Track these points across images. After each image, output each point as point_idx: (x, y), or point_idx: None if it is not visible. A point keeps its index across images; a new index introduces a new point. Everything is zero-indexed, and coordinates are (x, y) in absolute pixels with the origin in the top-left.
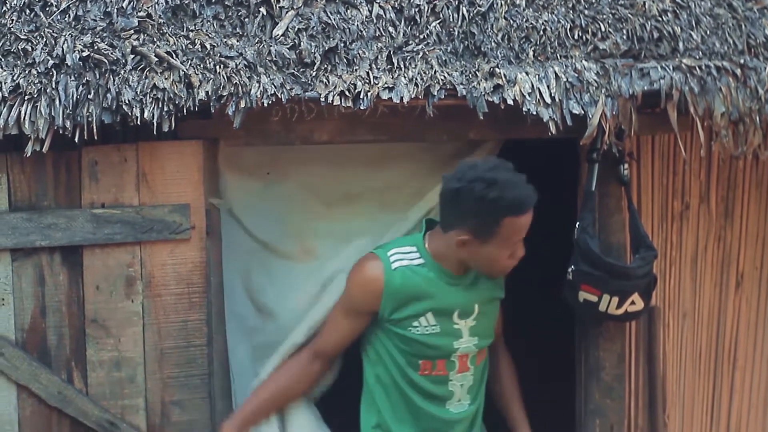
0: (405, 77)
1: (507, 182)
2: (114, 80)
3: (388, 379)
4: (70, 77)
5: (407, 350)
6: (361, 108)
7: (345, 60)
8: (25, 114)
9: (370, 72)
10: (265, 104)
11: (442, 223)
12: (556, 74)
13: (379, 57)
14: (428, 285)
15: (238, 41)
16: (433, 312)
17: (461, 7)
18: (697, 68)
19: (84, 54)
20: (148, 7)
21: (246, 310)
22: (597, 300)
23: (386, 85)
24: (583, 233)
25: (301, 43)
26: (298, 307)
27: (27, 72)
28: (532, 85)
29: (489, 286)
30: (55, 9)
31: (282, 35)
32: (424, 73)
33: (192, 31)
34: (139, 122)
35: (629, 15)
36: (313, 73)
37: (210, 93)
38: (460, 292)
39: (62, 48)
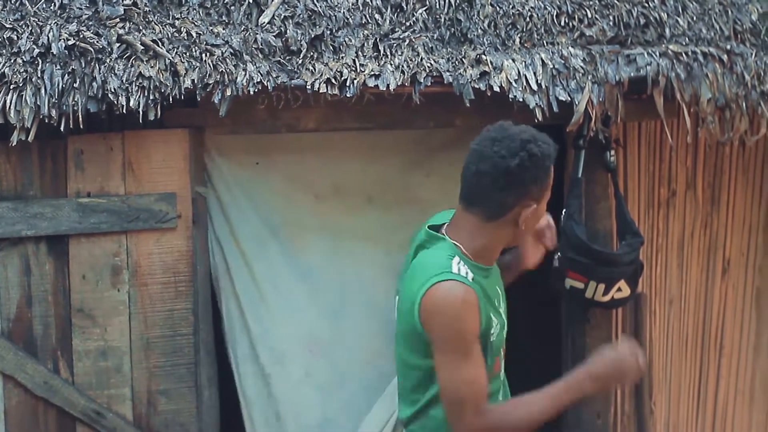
0: (391, 64)
1: (533, 131)
2: (100, 69)
3: None
4: (56, 66)
5: (486, 355)
6: (348, 95)
7: (331, 47)
8: (11, 103)
9: (356, 59)
10: (251, 92)
11: (493, 212)
12: (542, 61)
13: (366, 44)
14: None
15: (224, 29)
16: (493, 314)
17: None
18: (684, 54)
19: (69, 42)
20: None
21: (250, 295)
22: (583, 287)
23: (372, 73)
24: (569, 220)
25: (287, 31)
26: (288, 299)
27: (12, 61)
28: (519, 72)
29: (498, 270)
30: None
31: (268, 23)
32: (411, 60)
33: (178, 19)
34: (124, 111)
35: (616, 1)
36: (299, 61)
37: (196, 81)
38: (493, 281)
39: (48, 37)
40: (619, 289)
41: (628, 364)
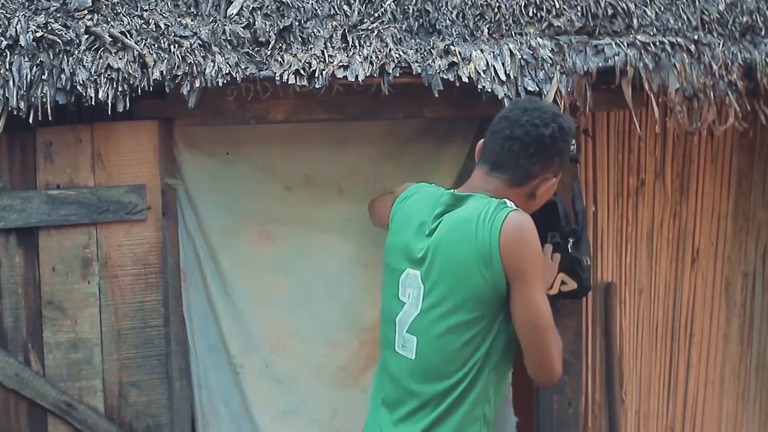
0: (360, 55)
1: (560, 110)
2: (68, 61)
3: (503, 378)
4: (24, 58)
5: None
6: (316, 87)
7: (300, 39)
8: None
9: (324, 50)
10: (220, 84)
11: (519, 178)
12: (510, 51)
13: (334, 35)
14: None
15: (192, 21)
16: None
17: None
18: (652, 44)
19: (38, 34)
20: None
21: (218, 287)
22: None
23: (341, 64)
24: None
25: (256, 22)
26: (255, 291)
27: None
28: (487, 63)
29: None
30: None
31: (236, 14)
32: (379, 51)
33: (146, 10)
34: (93, 103)
35: None
36: (268, 52)
37: (165, 73)
38: None
39: (15, 29)
40: (564, 282)
41: (550, 264)
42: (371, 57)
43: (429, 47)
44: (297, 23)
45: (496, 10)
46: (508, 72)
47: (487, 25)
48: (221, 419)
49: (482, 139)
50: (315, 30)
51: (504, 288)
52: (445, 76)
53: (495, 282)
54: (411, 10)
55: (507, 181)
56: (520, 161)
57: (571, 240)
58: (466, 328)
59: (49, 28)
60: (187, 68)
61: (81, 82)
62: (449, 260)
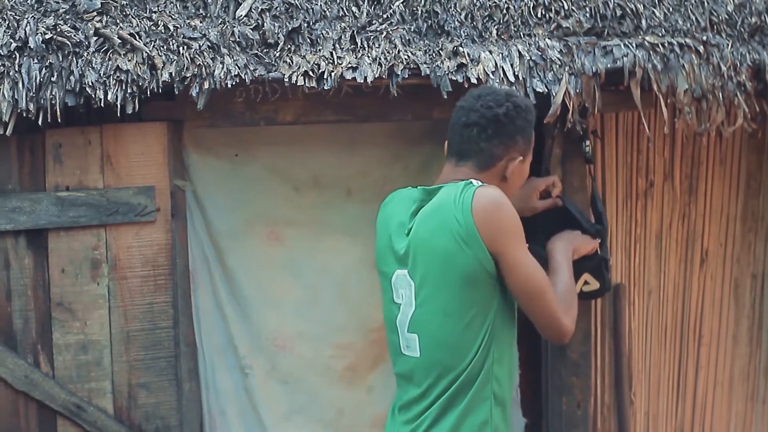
0: (369, 57)
1: (514, 90)
2: (77, 62)
3: (508, 352)
4: (33, 60)
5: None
6: (325, 88)
7: (308, 40)
8: None
9: (333, 52)
10: (229, 85)
11: (483, 162)
12: (519, 53)
13: (343, 37)
14: None
15: (201, 22)
16: None
17: None
18: (660, 45)
19: (47, 36)
20: None
21: (226, 288)
22: None
23: (350, 65)
24: (540, 215)
25: (265, 24)
26: (269, 293)
27: None
28: (496, 64)
29: None
30: None
31: (245, 16)
32: (388, 52)
33: (155, 12)
34: (102, 104)
35: None
36: (277, 54)
37: (173, 74)
38: None
39: (25, 30)
40: (586, 282)
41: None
42: (380, 58)
43: (438, 48)
44: (306, 25)
45: (504, 11)
46: (516, 73)
47: (496, 27)
48: (228, 420)
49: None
50: (324, 31)
51: (491, 263)
52: (453, 78)
53: (480, 259)
54: (420, 12)
55: (474, 167)
56: (482, 145)
57: (598, 240)
58: (463, 312)
59: (59, 29)
60: (196, 70)
61: (90, 84)
62: (431, 251)
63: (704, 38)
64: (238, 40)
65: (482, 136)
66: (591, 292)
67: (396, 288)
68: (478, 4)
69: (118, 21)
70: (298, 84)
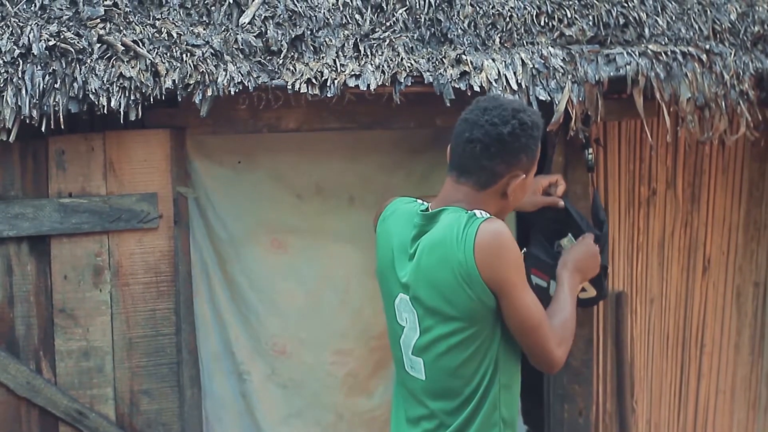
0: (372, 65)
1: (524, 103)
2: (80, 69)
3: (515, 377)
4: (37, 66)
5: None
6: (328, 96)
7: (312, 48)
8: None
9: (336, 59)
10: (232, 92)
11: (484, 180)
12: (522, 61)
13: (346, 44)
14: None
15: (204, 29)
16: None
17: None
18: (663, 54)
19: (50, 43)
20: None
21: (227, 294)
22: (546, 285)
23: (353, 73)
24: (541, 217)
25: (268, 31)
26: (271, 299)
27: None
28: (499, 72)
29: None
30: None
31: (248, 23)
32: (391, 60)
33: (158, 19)
34: (105, 111)
35: (595, 1)
36: (280, 61)
37: (177, 81)
38: None
39: (28, 37)
40: (584, 290)
41: (594, 250)
42: (383, 66)
43: (441, 56)
44: (309, 32)
45: (507, 19)
46: (519, 81)
47: (499, 35)
48: (224, 426)
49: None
50: (327, 39)
51: (492, 300)
52: (456, 85)
53: (481, 298)
54: (423, 20)
55: (474, 185)
56: (484, 163)
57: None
58: (467, 345)
59: (62, 36)
60: (199, 77)
61: (93, 91)
62: (433, 284)
63: (707, 47)
64: (241, 47)
65: (485, 154)
66: (588, 299)
67: (399, 311)
68: (481, 12)
69: (121, 28)
70: (301, 91)
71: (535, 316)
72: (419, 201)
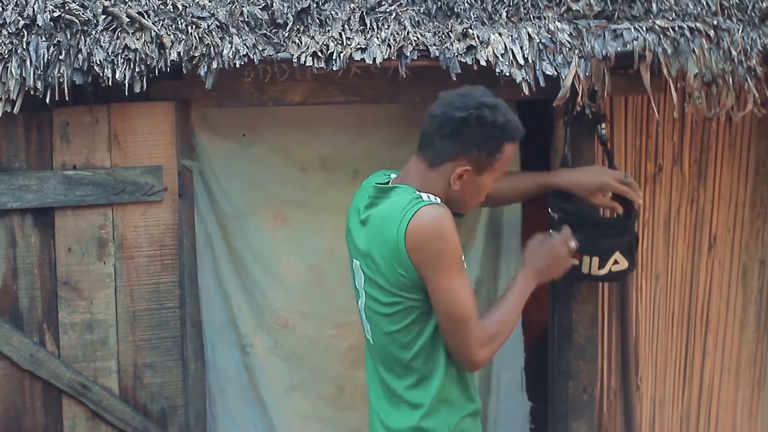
0: (378, 38)
1: (505, 107)
2: (85, 41)
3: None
4: (41, 38)
5: None
6: (334, 69)
7: (317, 21)
8: None
9: (342, 33)
10: (238, 65)
11: (433, 158)
12: (529, 35)
13: (352, 18)
14: None
15: (210, 1)
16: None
17: None
18: (671, 29)
19: (55, 14)
20: None
21: (230, 268)
22: (578, 262)
23: (359, 46)
24: (555, 198)
25: (274, 4)
26: (274, 273)
27: None
28: (505, 46)
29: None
30: None
31: None
32: (397, 34)
33: None
34: (110, 83)
35: None
36: (286, 34)
37: (182, 54)
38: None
39: (33, 8)
40: (616, 262)
41: (561, 252)
42: (389, 40)
43: (447, 30)
44: (315, 5)
45: None
46: (526, 56)
47: (506, 9)
48: (227, 398)
49: None
50: (333, 12)
51: (422, 283)
52: (463, 60)
53: (411, 278)
54: None
55: (427, 162)
56: (435, 139)
57: (635, 219)
58: (404, 314)
59: (67, 8)
60: (204, 49)
61: (98, 63)
62: (375, 256)
63: (715, 22)
64: (246, 19)
65: (438, 132)
66: (619, 272)
67: (355, 275)
68: None
69: None
70: (307, 65)
71: (461, 309)
72: (392, 175)
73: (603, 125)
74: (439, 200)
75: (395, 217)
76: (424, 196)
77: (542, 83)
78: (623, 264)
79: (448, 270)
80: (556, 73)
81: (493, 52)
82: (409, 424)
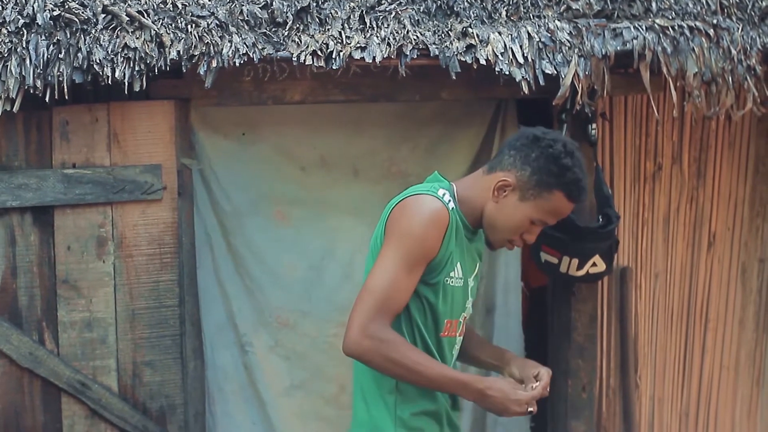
0: (377, 37)
1: (580, 165)
2: (85, 39)
3: (426, 342)
4: (41, 36)
5: (437, 305)
6: (333, 68)
7: (317, 19)
8: None
9: (342, 32)
10: (237, 64)
11: (493, 163)
12: (528, 34)
13: (352, 16)
14: (461, 232)
15: (209, 0)
16: (460, 263)
17: None
18: (670, 28)
19: (55, 13)
20: None
21: (229, 266)
22: (557, 262)
23: (358, 45)
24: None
25: (273, 3)
26: (274, 271)
27: None
28: (505, 45)
29: (481, 248)
30: None
31: None
32: (397, 32)
33: None
34: (110, 82)
35: None
36: (285, 33)
37: (181, 52)
38: (472, 246)
39: (33, 7)
40: (594, 264)
41: (514, 409)
42: (389, 38)
43: (447, 29)
44: (314, 4)
45: None
46: (525, 55)
47: (505, 8)
48: (226, 397)
49: None
50: (332, 11)
51: None
52: (462, 59)
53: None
54: None
55: (487, 167)
56: (505, 148)
57: (617, 225)
58: None
59: (66, 6)
60: (204, 48)
61: (98, 61)
62: (376, 235)
63: (714, 21)
64: (246, 18)
65: (511, 143)
66: (596, 273)
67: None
68: None
69: None
70: (306, 63)
71: (374, 282)
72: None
73: (593, 125)
74: (451, 203)
75: (404, 194)
76: (441, 192)
77: (542, 82)
78: (601, 267)
79: (398, 250)
80: (555, 72)
81: (493, 50)
82: (362, 415)
